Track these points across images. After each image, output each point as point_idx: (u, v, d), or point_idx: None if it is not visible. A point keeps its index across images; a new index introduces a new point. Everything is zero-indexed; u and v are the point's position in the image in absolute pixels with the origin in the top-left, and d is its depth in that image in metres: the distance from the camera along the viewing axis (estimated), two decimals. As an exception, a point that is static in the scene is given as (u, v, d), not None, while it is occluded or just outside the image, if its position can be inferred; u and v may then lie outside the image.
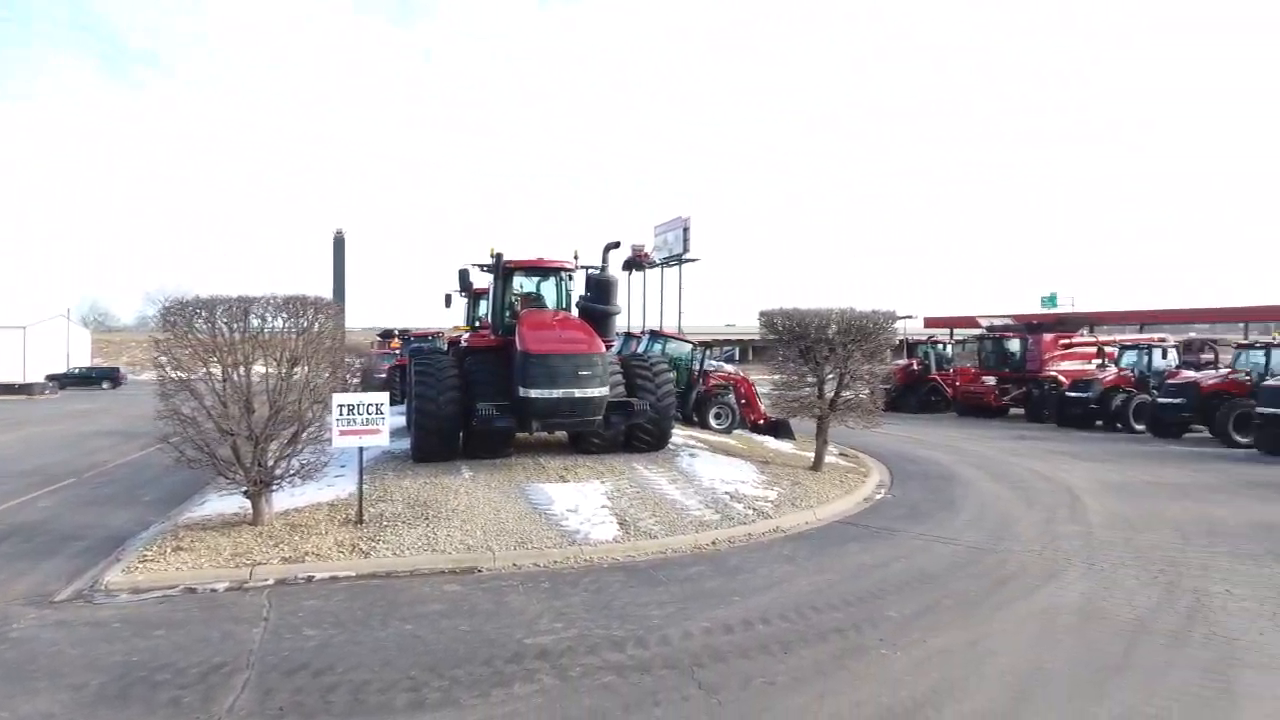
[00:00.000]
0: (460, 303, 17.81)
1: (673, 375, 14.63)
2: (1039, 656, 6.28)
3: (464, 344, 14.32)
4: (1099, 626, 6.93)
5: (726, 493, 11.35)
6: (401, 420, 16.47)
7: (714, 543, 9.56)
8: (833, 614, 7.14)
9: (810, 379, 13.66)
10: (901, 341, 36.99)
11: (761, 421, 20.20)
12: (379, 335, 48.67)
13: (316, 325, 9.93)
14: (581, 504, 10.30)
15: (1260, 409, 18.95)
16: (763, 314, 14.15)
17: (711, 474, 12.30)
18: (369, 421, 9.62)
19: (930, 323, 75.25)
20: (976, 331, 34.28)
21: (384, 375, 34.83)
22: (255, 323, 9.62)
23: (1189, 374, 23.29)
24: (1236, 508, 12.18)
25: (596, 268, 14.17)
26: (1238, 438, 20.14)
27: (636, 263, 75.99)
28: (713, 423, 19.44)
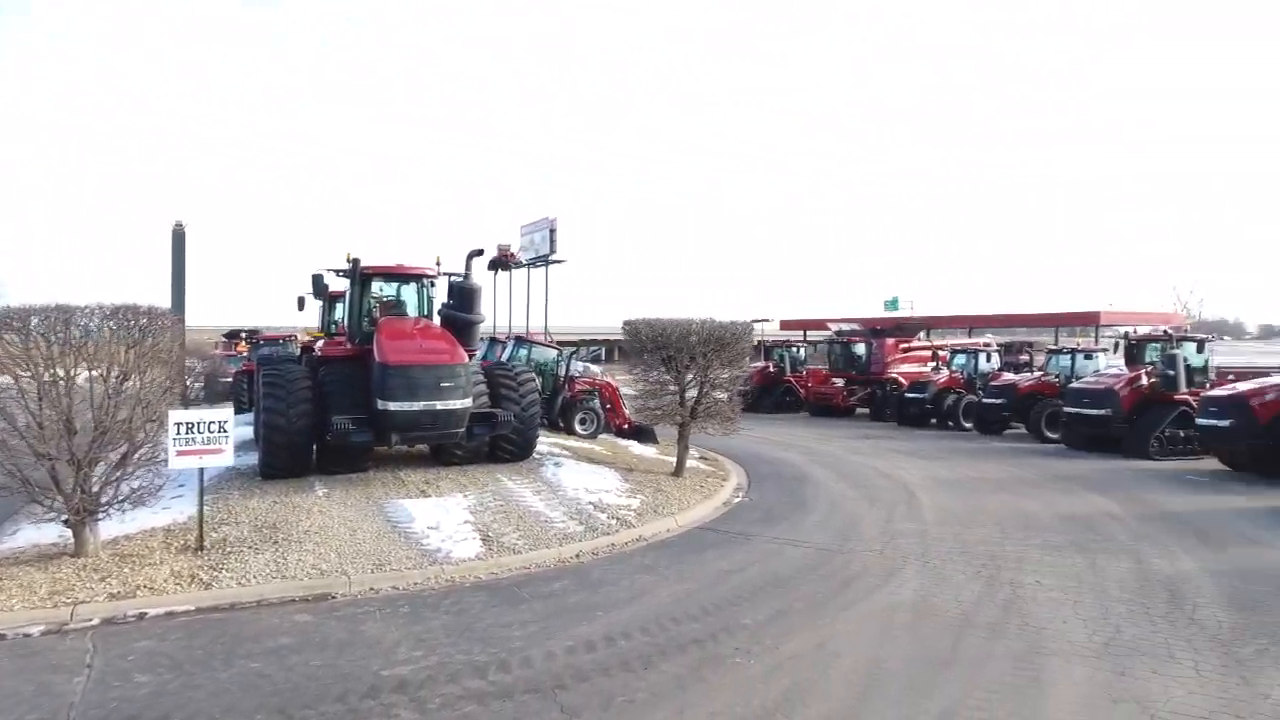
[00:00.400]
0: (316, 306, 16.93)
1: (537, 384, 14.54)
2: (879, 655, 6.70)
3: (318, 353, 13.63)
4: (931, 622, 7.48)
5: (590, 502, 11.41)
6: (249, 431, 15.48)
7: (578, 555, 9.59)
8: (692, 625, 7.33)
9: (672, 387, 13.94)
10: (759, 344, 38.47)
11: (626, 426, 20.42)
12: (224, 336, 45.48)
13: (150, 338, 9.14)
14: (443, 520, 10.06)
15: (1066, 409, 21.05)
16: (626, 324, 14.31)
17: (576, 483, 12.32)
18: (211, 440, 8.98)
19: (785, 325, 78.59)
20: (829, 333, 36.05)
21: (230, 380, 32.56)
22: (78, 333, 8.75)
23: (1009, 376, 25.51)
24: (1046, 501, 13.47)
25: (459, 275, 13.86)
26: (1048, 434, 22.28)
27: (502, 263, 75.11)
28: (578, 428, 19.47)
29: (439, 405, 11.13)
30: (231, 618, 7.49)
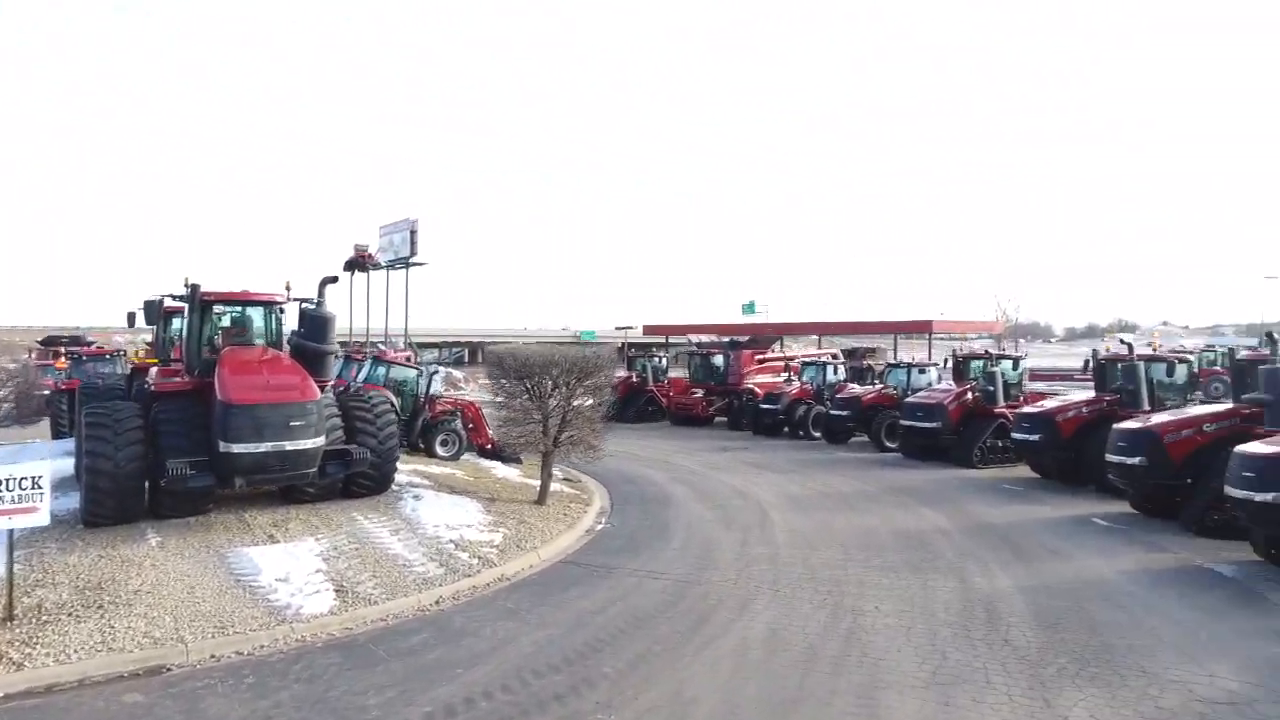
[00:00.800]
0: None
1: (395, 413, 14.04)
2: (733, 698, 6.98)
3: (151, 386, 12.54)
4: (781, 658, 7.86)
5: (451, 541, 11.18)
6: (68, 465, 14.06)
7: (438, 601, 9.37)
8: (554, 677, 7.35)
9: (536, 415, 13.89)
10: (622, 354, 38.93)
11: (489, 446, 20.12)
12: (39, 342, 41.02)
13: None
14: (293, 570, 9.56)
15: (903, 422, 22.63)
16: (490, 354, 14.11)
17: (436, 519, 12.04)
18: (21, 499, 8.11)
19: (649, 330, 79.99)
20: (697, 339, 37.00)
21: (46, 393, 29.39)
22: None
23: (853, 389, 27.05)
24: (884, 517, 14.43)
25: (311, 301, 13.19)
26: (888, 444, 23.87)
27: (359, 263, 71.98)
28: (439, 450, 19.00)
29: (288, 446, 10.55)
30: (48, 704, 6.80)
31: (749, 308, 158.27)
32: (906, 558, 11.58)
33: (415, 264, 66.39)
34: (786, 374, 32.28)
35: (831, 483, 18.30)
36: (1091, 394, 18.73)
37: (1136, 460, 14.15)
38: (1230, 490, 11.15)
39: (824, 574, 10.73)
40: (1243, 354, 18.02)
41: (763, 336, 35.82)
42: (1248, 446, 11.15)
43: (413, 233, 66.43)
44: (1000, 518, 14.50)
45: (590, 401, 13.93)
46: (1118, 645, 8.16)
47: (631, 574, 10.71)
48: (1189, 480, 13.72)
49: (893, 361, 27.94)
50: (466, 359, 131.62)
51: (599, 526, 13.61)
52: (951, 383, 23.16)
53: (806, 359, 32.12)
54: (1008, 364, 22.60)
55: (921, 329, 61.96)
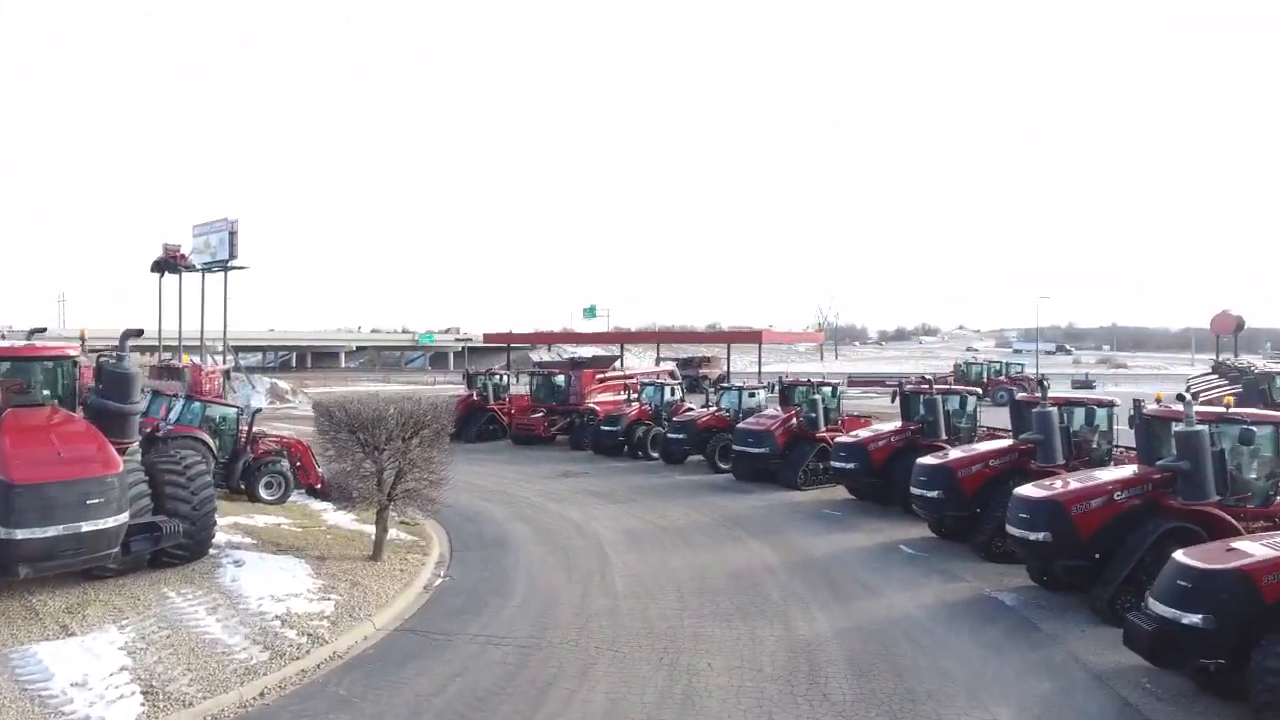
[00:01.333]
0: None
1: (210, 478, 12.96)
2: (573, 787, 7.08)
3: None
4: (619, 734, 8.05)
5: (278, 616, 10.52)
6: None
7: (263, 694, 8.80)
8: (390, 782, 7.13)
9: (369, 467, 13.35)
10: (465, 373, 38.07)
11: (319, 486, 19.08)
12: None
13: None
14: (92, 670, 8.64)
15: (735, 446, 23.71)
16: (317, 406, 13.41)
17: (260, 588, 11.29)
18: None
19: (490, 338, 78.77)
20: (539, 358, 36.74)
21: None
22: None
23: (690, 412, 27.89)
24: (718, 554, 15.08)
25: (111, 355, 11.95)
26: (721, 465, 24.91)
27: (169, 264, 66.41)
28: (263, 494, 17.81)
29: (85, 528, 9.51)
30: None
31: (589, 312, 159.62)
32: (737, 602, 12.16)
33: (235, 267, 61.86)
34: (626, 392, 32.80)
35: (669, 513, 18.86)
36: (899, 424, 20.43)
37: (935, 494, 15.64)
38: (1009, 529, 12.59)
39: (661, 627, 11.06)
40: (1020, 395, 19.93)
41: (603, 356, 36.24)
42: (1023, 490, 12.61)
43: (232, 234, 61.76)
44: (820, 549, 15.55)
45: (427, 454, 13.54)
46: (919, 691, 9.01)
47: (472, 640, 10.56)
48: (978, 510, 15.35)
49: (725, 384, 29.13)
50: (294, 364, 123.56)
51: (438, 581, 13.28)
52: (778, 408, 24.50)
53: (645, 379, 32.80)
54: (827, 390, 24.24)
55: (752, 339, 65.18)
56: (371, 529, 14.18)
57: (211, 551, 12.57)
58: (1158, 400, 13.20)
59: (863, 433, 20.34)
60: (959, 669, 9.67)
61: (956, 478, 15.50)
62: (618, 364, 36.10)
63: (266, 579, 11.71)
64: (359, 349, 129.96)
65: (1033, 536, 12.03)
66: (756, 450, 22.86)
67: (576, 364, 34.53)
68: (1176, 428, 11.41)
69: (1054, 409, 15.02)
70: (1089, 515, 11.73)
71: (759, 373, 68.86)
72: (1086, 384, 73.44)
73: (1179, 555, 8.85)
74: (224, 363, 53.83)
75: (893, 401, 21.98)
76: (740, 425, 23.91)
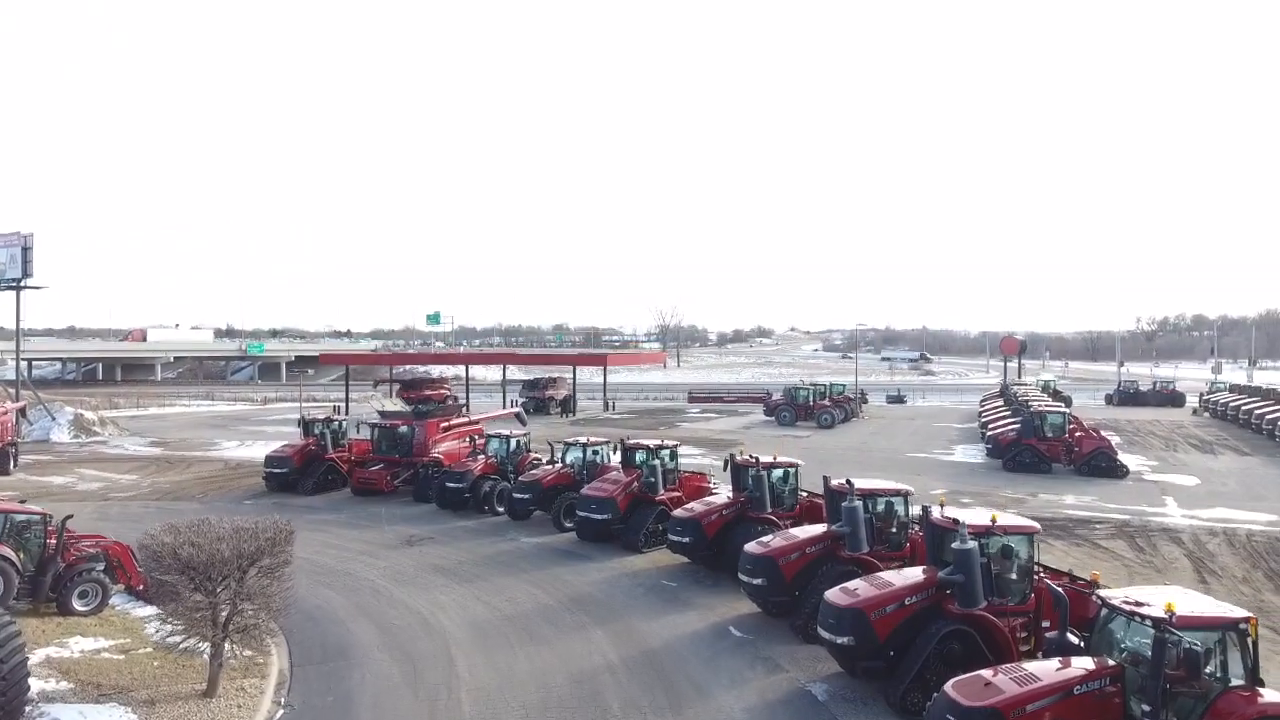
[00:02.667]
0: None
1: (20, 642, 11.99)
2: None
3: None
4: None
5: (104, 798, 10.10)
6: None
7: None
8: None
9: (202, 606, 12.91)
10: (300, 419, 36.45)
11: (141, 588, 17.94)
12: None
13: None
14: None
15: (579, 512, 24.48)
16: (145, 549, 12.79)
17: (81, 759, 10.75)
18: None
19: (326, 359, 75.14)
20: (379, 407, 35.65)
21: None
22: None
23: (536, 471, 28.27)
24: (563, 652, 15.75)
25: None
26: (566, 524, 25.63)
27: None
28: (77, 605, 16.57)
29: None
30: None
31: (434, 318, 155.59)
32: (580, 721, 12.90)
33: (29, 286, 55.27)
34: (472, 441, 32.72)
35: (515, 596, 19.31)
36: (729, 497, 21.92)
37: (760, 581, 17.14)
38: (819, 630, 14.15)
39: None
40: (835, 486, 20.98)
41: (448, 405, 35.80)
42: (831, 595, 14.18)
43: (25, 249, 55.21)
44: (657, 637, 16.61)
45: (266, 583, 13.27)
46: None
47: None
48: (797, 593, 16.96)
49: (569, 440, 29.55)
50: (100, 375, 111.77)
51: (279, 715, 13.09)
52: (620, 471, 25.44)
53: (492, 431, 32.73)
54: (665, 453, 25.49)
55: (597, 362, 66.42)
56: (205, 645, 13.69)
57: (26, 707, 11.74)
58: (941, 505, 15.24)
59: (697, 506, 21.62)
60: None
61: (778, 565, 17.06)
62: (463, 410, 35.80)
63: (88, 745, 11.13)
64: (177, 359, 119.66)
65: (839, 640, 13.69)
66: (600, 517, 23.79)
67: (420, 414, 34.03)
68: (953, 544, 13.23)
69: (859, 503, 16.82)
70: (885, 619, 13.47)
71: (604, 396, 70.31)
72: (899, 398, 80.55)
73: (948, 688, 10.46)
74: (16, 399, 48.21)
75: (724, 469, 23.55)
76: (585, 491, 24.69)
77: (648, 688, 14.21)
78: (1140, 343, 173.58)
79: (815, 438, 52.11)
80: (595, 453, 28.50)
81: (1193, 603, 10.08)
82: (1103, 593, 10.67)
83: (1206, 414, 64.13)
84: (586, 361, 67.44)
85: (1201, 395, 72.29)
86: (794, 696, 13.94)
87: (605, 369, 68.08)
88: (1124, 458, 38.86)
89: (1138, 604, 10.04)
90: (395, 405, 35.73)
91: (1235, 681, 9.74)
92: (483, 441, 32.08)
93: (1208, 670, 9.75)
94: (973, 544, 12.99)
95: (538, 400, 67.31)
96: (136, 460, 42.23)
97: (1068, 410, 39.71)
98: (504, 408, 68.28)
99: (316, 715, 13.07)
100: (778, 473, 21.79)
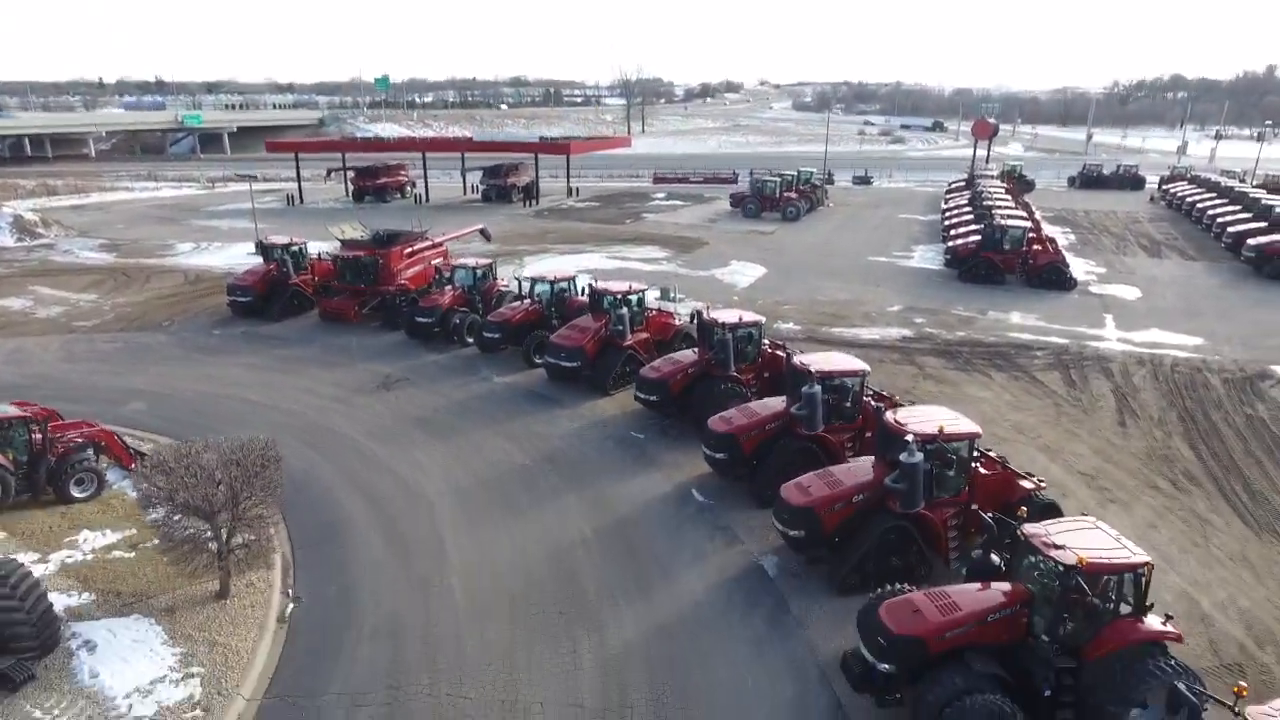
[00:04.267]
0: None
1: (35, 577, 12.70)
2: None
3: None
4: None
5: (145, 718, 11.49)
6: None
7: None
8: None
9: (205, 530, 13.72)
10: (258, 243, 35.37)
11: (132, 466, 18.67)
12: None
13: None
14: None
15: (548, 359, 25.19)
16: (140, 493, 13.19)
17: (123, 681, 11.91)
18: None
19: (273, 146, 70.46)
20: (340, 233, 34.58)
21: None
22: None
23: (506, 309, 28.40)
24: (543, 526, 17.22)
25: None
26: (536, 360, 26.47)
27: None
28: (75, 493, 17.37)
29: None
30: None
31: (382, 83, 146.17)
32: (561, 609, 14.52)
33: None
34: (439, 270, 32.21)
35: (493, 457, 20.50)
36: (694, 355, 22.61)
37: (722, 455, 18.43)
38: (774, 522, 15.65)
39: (498, 651, 13.26)
40: (797, 361, 20.90)
41: (411, 231, 34.72)
42: (786, 492, 15.47)
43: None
44: (626, 504, 18.13)
45: (259, 511, 14.03)
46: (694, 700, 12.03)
47: (338, 702, 12.21)
48: (755, 464, 18.36)
49: (536, 276, 29.29)
50: (29, 150, 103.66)
51: (289, 607, 14.47)
52: (589, 317, 25.82)
53: (458, 261, 32.14)
54: (634, 299, 25.79)
55: (560, 151, 63.65)
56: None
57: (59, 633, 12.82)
58: (894, 409, 16.18)
59: (663, 365, 22.38)
60: (724, 693, 12.63)
61: (738, 442, 18.27)
62: (426, 235, 34.97)
63: (125, 665, 12.41)
64: (110, 134, 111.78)
65: (791, 533, 15.31)
66: (569, 364, 24.59)
67: (382, 241, 33.28)
68: (901, 456, 14.24)
69: (818, 388, 17.65)
70: (833, 515, 15.06)
71: (568, 182, 68.27)
72: (865, 179, 79.70)
73: (882, 610, 11.96)
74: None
75: (692, 321, 24.10)
76: (554, 339, 25.21)
77: (618, 565, 15.85)
78: (1114, 106, 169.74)
79: (779, 233, 52.29)
80: (563, 289, 28.65)
81: (1101, 546, 11.34)
82: (1026, 528, 11.91)
83: (1163, 203, 64.94)
84: (550, 150, 64.55)
85: (1161, 180, 72.82)
86: (748, 572, 15.70)
87: (568, 158, 65.54)
88: (1074, 261, 40.07)
89: (1054, 546, 11.30)
90: (354, 230, 34.53)
91: (1124, 610, 11.33)
92: (448, 262, 31.72)
93: (1104, 604, 11.28)
94: (919, 457, 14.07)
95: (499, 188, 65.43)
96: (91, 273, 41.17)
97: (1027, 225, 40.00)
98: (465, 194, 66.48)
99: (325, 607, 14.51)
100: (743, 334, 22.38)
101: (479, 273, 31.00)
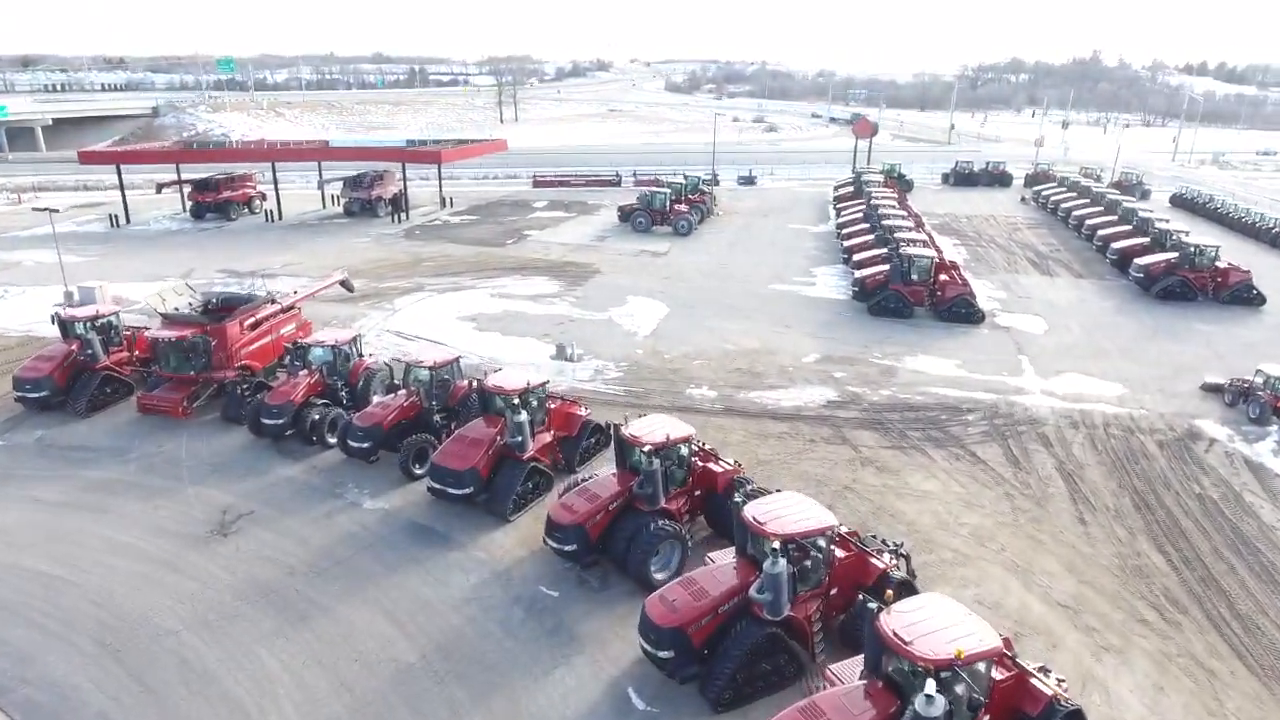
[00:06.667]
0: None
1: None
2: None
3: None
4: None
5: None
6: None
7: None
8: None
9: None
10: (54, 316, 27.87)
11: None
12: None
13: None
14: None
15: (432, 484, 20.19)
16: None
17: None
18: None
19: (86, 157, 59.96)
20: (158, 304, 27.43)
21: None
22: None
23: (376, 409, 22.90)
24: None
25: None
26: (416, 470, 21.47)
27: None
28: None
29: None
30: None
31: (225, 64, 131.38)
32: None
33: None
34: (289, 351, 26.16)
35: (365, 647, 15.61)
36: (614, 482, 18.19)
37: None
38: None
39: None
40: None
41: (253, 297, 28.32)
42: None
43: None
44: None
45: None
46: None
47: None
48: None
49: (413, 362, 23.91)
50: None
51: None
52: (482, 422, 20.96)
53: (318, 339, 26.03)
54: (533, 401, 21.05)
55: (429, 159, 56.90)
56: None
57: None
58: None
59: (578, 503, 17.78)
60: None
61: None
62: (268, 300, 28.68)
63: None
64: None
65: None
66: (459, 491, 19.76)
67: (213, 311, 26.92)
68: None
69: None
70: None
71: (440, 194, 61.71)
72: (750, 179, 77.26)
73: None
74: None
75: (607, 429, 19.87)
76: (436, 460, 20.14)
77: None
78: (967, 90, 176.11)
79: (673, 253, 48.54)
80: (447, 375, 23.59)
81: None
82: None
83: (1033, 204, 65.77)
84: (418, 158, 57.62)
85: (1027, 178, 74.66)
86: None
87: (440, 167, 58.95)
88: (973, 282, 38.42)
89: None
90: (179, 297, 27.76)
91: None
92: (307, 325, 25.89)
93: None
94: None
95: (362, 201, 58.29)
96: None
97: (933, 255, 37.91)
98: (325, 207, 58.05)
99: None
100: (670, 452, 18.23)
101: (343, 351, 25.36)
